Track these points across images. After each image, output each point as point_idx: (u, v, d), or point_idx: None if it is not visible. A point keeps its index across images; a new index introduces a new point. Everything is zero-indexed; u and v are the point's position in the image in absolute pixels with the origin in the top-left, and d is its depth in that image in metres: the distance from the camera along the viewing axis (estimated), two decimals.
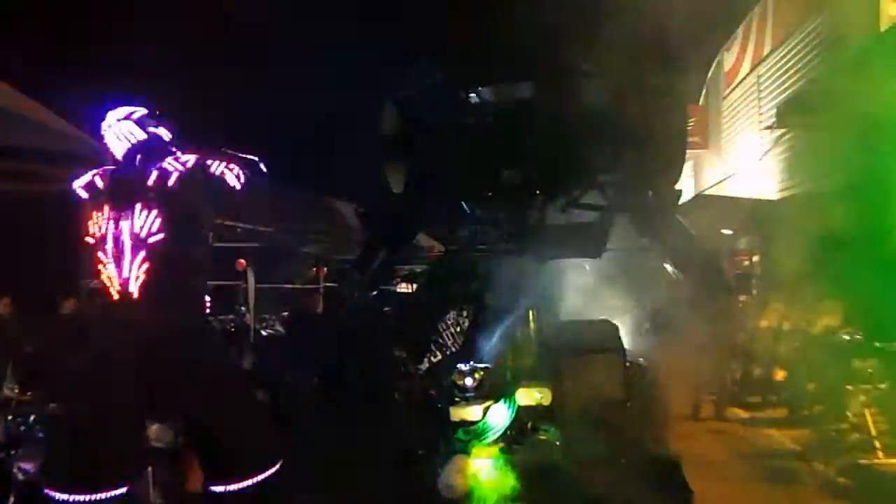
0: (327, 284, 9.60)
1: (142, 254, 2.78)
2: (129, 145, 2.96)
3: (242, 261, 8.13)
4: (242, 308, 7.99)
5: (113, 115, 3.01)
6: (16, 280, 5.70)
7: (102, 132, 3.01)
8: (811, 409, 6.25)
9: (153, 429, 3.33)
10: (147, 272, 2.77)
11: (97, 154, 3.76)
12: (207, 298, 2.95)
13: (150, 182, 2.85)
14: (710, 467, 4.75)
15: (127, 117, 2.99)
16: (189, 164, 2.88)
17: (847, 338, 5.89)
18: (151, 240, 2.79)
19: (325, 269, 10.22)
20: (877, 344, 5.65)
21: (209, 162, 2.92)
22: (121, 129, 2.98)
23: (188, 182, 2.85)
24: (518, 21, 4.05)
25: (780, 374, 6.84)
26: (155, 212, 2.81)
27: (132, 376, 2.70)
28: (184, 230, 2.85)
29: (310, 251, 11.31)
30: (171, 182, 2.84)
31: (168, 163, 2.89)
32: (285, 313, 8.21)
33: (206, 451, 2.88)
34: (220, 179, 2.92)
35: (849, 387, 5.54)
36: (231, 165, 2.95)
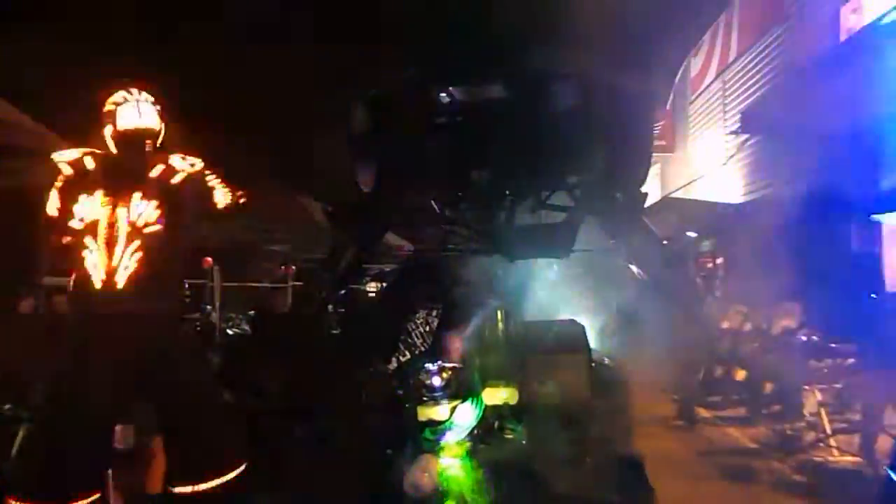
0: (295, 283, 9.52)
1: (136, 243, 2.73)
2: (144, 125, 2.90)
3: (209, 259, 8.00)
4: (208, 307, 7.87)
5: (135, 91, 2.95)
6: None
7: (114, 103, 2.92)
8: (769, 408, 6.42)
9: (117, 429, 3.26)
10: (139, 262, 2.72)
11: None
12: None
13: (154, 174, 2.83)
14: (672, 466, 4.84)
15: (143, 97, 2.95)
16: (196, 168, 2.88)
17: (804, 339, 6.06)
18: (147, 230, 2.75)
19: (294, 267, 10.13)
20: (832, 345, 5.83)
21: (208, 171, 2.92)
22: (142, 106, 2.92)
23: (190, 183, 2.85)
24: (488, 21, 4.07)
25: (740, 375, 7.00)
26: (155, 202, 2.77)
27: (111, 373, 2.64)
28: (178, 224, 2.82)
29: (277, 249, 11.19)
30: (175, 180, 2.83)
31: (175, 160, 2.89)
32: (252, 312, 8.12)
33: (174, 450, 2.83)
34: (210, 191, 2.91)
35: (805, 387, 5.71)
36: (222, 183, 2.95)
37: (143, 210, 2.76)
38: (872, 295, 5.97)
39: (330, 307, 5.41)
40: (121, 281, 2.70)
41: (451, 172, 4.65)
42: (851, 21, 7.91)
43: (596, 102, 4.38)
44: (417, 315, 4.89)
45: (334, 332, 5.29)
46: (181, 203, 2.82)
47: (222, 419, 2.99)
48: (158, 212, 2.76)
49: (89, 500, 2.58)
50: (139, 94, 2.95)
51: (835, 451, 5.19)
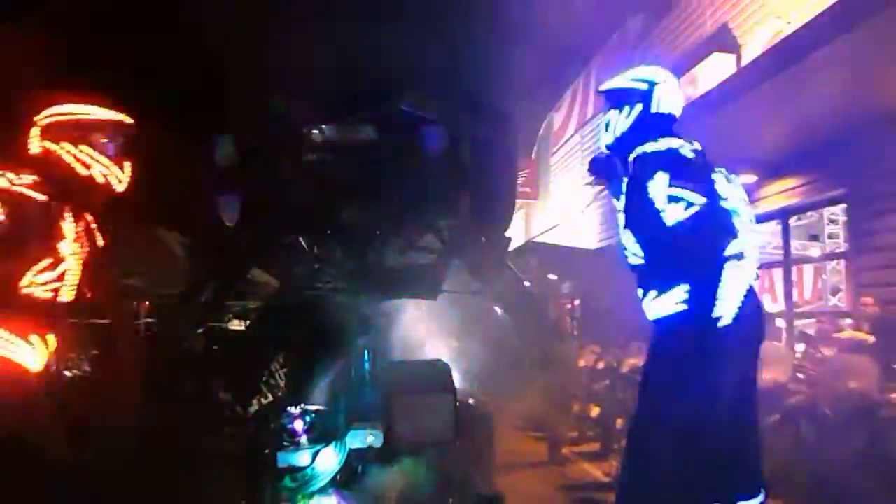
0: (147, 321, 8.84)
1: None
2: None
3: None
4: None
5: None
6: None
7: None
8: (620, 442, 6.83)
9: None
10: None
11: None
12: None
13: None
14: (532, 502, 4.98)
15: None
16: None
17: None
18: None
19: (147, 303, 9.42)
20: None
21: None
22: None
23: None
24: (357, 63, 4.13)
25: (594, 411, 7.40)
26: None
27: None
28: None
29: (130, 283, 10.37)
30: None
31: None
32: (95, 352, 7.40)
33: None
34: None
35: None
36: None
37: None
38: None
39: (187, 346, 5.09)
40: None
41: (319, 210, 4.61)
42: (688, 91, 8.89)
43: (462, 150, 4.56)
44: (280, 355, 4.73)
45: (190, 372, 4.97)
46: None
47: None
48: None
49: None
50: None
51: None
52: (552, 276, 11.48)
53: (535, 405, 6.42)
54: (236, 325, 6.98)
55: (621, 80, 2.95)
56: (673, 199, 2.61)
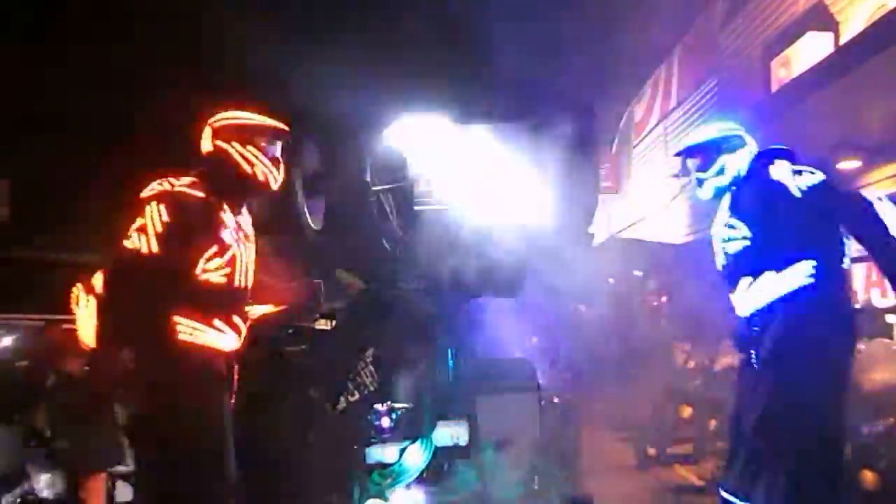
0: None
1: None
2: None
3: None
4: None
5: None
6: None
7: None
8: (714, 444, 6.54)
9: None
10: None
11: None
12: None
13: None
14: None
15: None
16: None
17: None
18: None
19: None
20: None
21: None
22: None
23: None
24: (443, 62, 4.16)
25: (686, 412, 7.12)
26: None
27: None
28: None
29: None
30: None
31: None
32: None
33: None
34: None
35: None
36: None
37: None
38: None
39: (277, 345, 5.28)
40: None
41: (403, 209, 4.67)
42: (781, 74, 8.40)
43: (542, 147, 4.50)
44: (367, 354, 4.82)
45: (280, 370, 5.15)
46: None
47: None
48: None
49: None
50: None
51: None
52: (637, 273, 11.15)
53: (623, 405, 6.27)
54: (324, 324, 7.18)
55: (714, 132, 3.12)
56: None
